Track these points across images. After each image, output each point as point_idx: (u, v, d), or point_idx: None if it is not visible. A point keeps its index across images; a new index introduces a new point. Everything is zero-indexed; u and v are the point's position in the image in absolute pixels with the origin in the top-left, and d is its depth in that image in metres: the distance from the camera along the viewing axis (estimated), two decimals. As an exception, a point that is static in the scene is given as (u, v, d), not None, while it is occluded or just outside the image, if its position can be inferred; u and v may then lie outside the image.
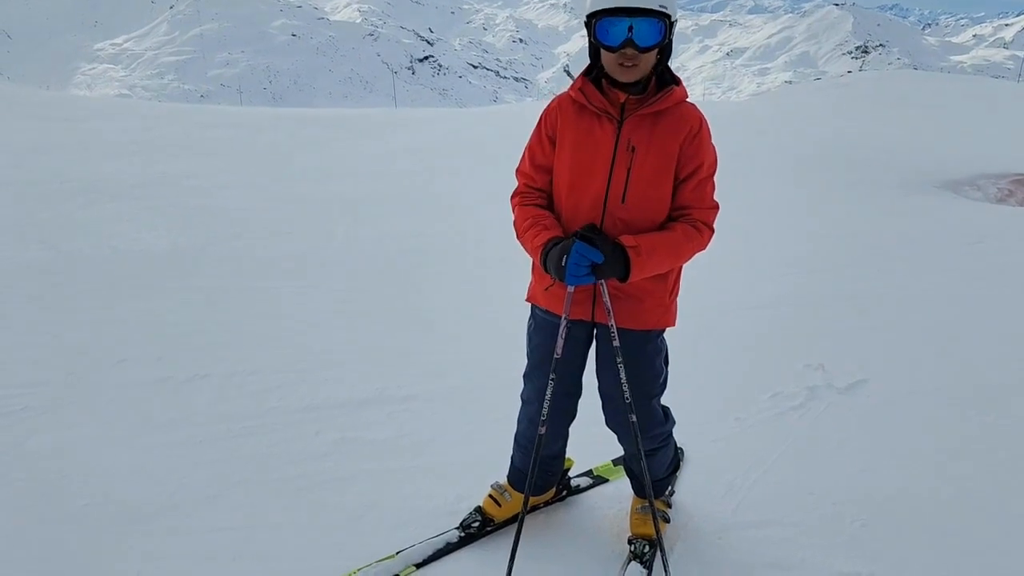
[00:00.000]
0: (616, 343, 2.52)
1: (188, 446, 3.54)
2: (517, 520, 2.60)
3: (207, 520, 3.03)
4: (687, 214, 2.49)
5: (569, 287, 2.47)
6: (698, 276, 4.46)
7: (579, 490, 3.26)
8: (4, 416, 3.72)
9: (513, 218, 2.64)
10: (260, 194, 8.56)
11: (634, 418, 2.60)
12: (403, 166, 10.88)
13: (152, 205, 7.84)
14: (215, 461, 3.42)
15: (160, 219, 7.37)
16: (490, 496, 3.00)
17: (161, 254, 6.33)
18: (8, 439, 3.54)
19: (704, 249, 2.52)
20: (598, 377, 2.75)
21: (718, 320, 5.24)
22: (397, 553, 2.79)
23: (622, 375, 2.55)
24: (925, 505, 3.22)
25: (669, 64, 2.46)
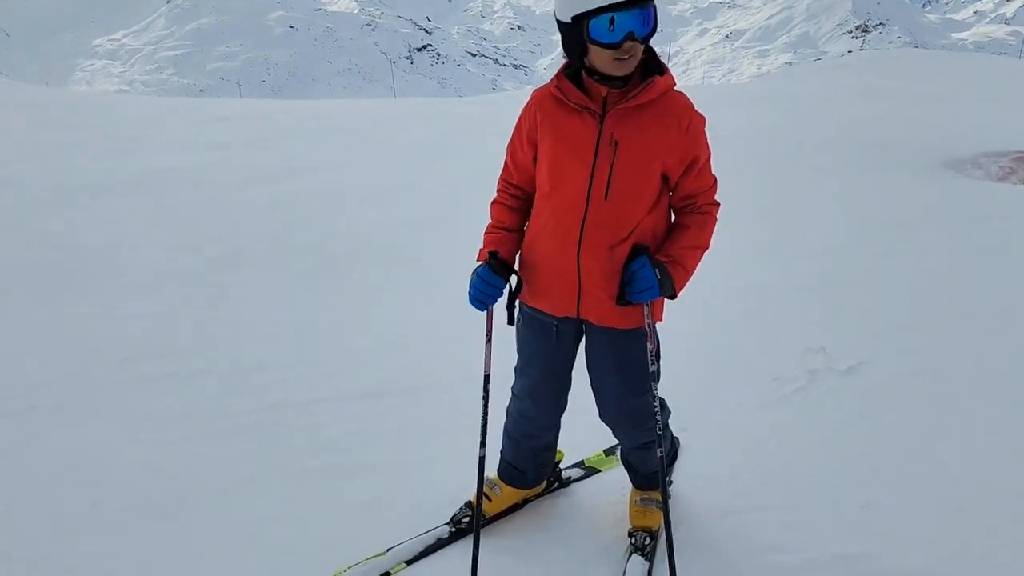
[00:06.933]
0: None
1: (194, 442, 3.57)
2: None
3: (216, 515, 3.07)
4: (692, 203, 2.51)
5: (480, 310, 2.60)
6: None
7: (570, 482, 3.26)
8: (11, 416, 3.75)
9: None
10: (265, 188, 8.55)
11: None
12: (395, 157, 10.86)
13: (155, 202, 7.84)
14: (222, 456, 3.46)
15: (163, 216, 7.38)
16: None
17: (163, 250, 6.34)
18: (15, 438, 3.58)
19: (716, 223, 2.55)
20: (589, 374, 2.75)
21: (719, 305, 5.24)
22: (387, 550, 2.81)
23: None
24: (926, 486, 3.24)
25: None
